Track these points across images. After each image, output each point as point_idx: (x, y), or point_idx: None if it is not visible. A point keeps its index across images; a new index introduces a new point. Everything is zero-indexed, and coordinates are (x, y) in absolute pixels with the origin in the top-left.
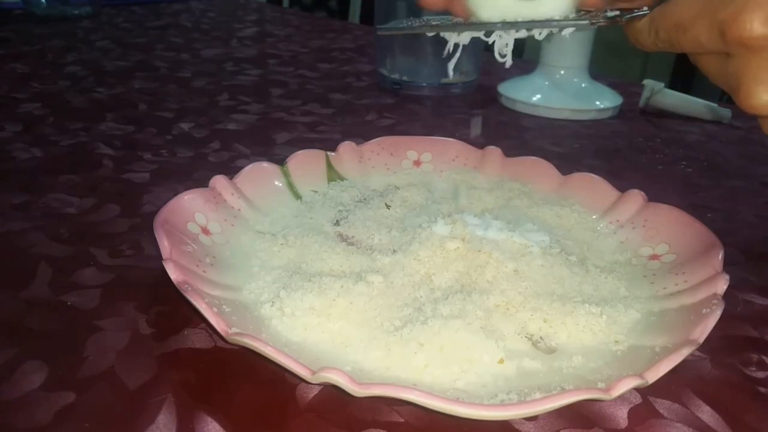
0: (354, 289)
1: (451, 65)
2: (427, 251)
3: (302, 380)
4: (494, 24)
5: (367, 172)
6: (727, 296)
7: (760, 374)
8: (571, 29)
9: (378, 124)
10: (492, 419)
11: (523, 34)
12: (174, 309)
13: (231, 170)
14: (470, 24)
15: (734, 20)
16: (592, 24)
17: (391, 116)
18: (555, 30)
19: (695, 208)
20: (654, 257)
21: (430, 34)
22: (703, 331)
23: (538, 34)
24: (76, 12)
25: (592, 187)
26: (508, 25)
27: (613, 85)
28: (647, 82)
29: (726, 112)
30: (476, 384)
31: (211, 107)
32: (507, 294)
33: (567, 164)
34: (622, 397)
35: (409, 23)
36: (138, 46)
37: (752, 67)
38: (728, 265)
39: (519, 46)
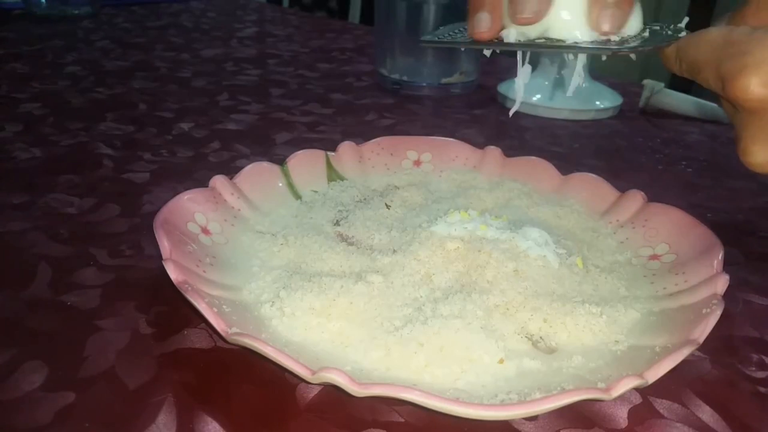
0: (354, 289)
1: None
2: (427, 251)
3: (302, 380)
4: (530, 44)
5: (367, 172)
6: (727, 296)
7: (760, 374)
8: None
9: (378, 124)
10: (492, 419)
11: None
12: (174, 309)
13: (231, 170)
14: (506, 43)
15: (733, 78)
16: (615, 52)
17: (391, 116)
18: (583, 54)
19: (695, 208)
20: (654, 257)
21: (473, 48)
22: (703, 331)
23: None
24: (76, 12)
25: (592, 187)
26: (540, 47)
27: (613, 85)
28: (647, 82)
29: None
30: (476, 384)
31: (211, 107)
32: (507, 294)
33: (567, 164)
34: (622, 397)
35: (451, 35)
36: (138, 46)
37: (751, 126)
38: (728, 265)
39: None
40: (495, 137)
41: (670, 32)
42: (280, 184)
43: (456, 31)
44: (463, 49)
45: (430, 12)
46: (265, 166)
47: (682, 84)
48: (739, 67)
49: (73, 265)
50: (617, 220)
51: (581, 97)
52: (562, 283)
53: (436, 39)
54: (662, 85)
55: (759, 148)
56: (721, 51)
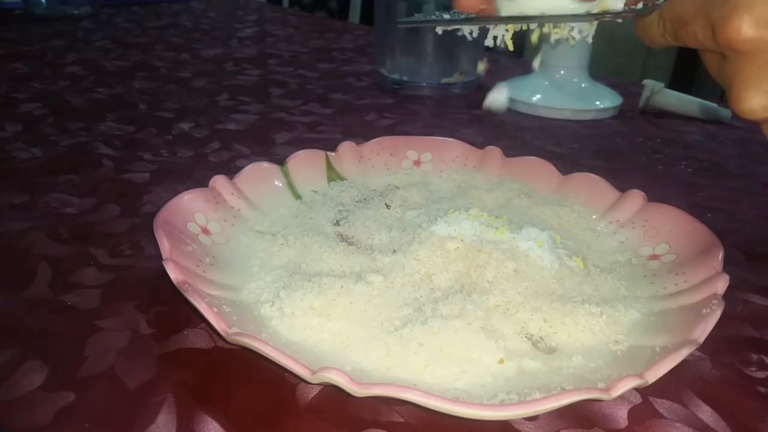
0: (354, 289)
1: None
2: (427, 251)
3: (302, 380)
4: (507, 18)
5: (367, 172)
6: (727, 296)
7: (760, 374)
8: (580, 25)
9: (378, 124)
10: (492, 419)
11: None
12: (174, 309)
13: (231, 170)
14: (484, 19)
15: (724, 21)
16: (596, 19)
17: (391, 116)
18: (563, 24)
19: (695, 208)
20: (654, 257)
21: (449, 29)
22: (703, 331)
23: (551, 29)
24: (76, 12)
25: (592, 187)
26: (518, 20)
27: (613, 85)
28: (647, 82)
29: (726, 112)
30: (476, 384)
31: (211, 107)
32: (507, 294)
33: (567, 164)
34: (622, 397)
35: (427, 17)
36: (138, 46)
37: (743, 71)
38: (728, 265)
39: (519, 45)
40: (495, 137)
41: (655, 4)
42: (280, 184)
43: (432, 16)
44: (440, 32)
45: (430, 12)
46: (265, 166)
47: (682, 84)
48: (730, 8)
49: (73, 265)
50: (617, 220)
51: (581, 97)
52: (562, 283)
53: (412, 20)
54: (662, 85)
55: (753, 94)
56: None
